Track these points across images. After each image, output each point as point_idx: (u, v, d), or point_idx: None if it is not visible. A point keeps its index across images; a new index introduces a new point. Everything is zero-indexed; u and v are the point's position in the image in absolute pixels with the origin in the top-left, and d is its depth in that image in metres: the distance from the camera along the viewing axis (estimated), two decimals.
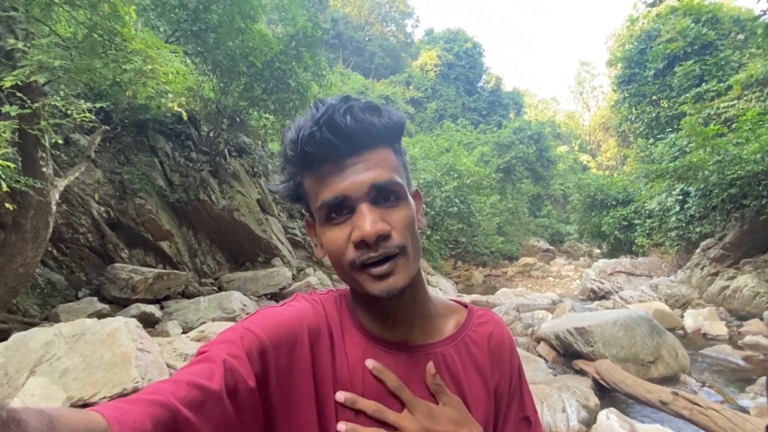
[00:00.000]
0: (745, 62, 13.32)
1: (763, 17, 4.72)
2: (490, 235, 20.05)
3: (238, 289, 7.73)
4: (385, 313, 0.65)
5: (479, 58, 40.59)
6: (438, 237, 16.23)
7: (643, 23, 20.24)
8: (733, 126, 10.71)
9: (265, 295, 8.27)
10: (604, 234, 17.34)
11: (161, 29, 7.94)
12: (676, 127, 13.92)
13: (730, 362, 6.54)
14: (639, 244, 15.43)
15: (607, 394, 4.83)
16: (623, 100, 18.61)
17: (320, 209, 0.60)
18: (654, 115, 16.65)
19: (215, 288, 8.33)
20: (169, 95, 5.22)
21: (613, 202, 17.39)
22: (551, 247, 24.73)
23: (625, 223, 16.31)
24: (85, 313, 5.37)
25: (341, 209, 0.59)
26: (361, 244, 0.57)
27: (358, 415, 0.59)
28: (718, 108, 12.12)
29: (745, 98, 11.92)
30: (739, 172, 9.54)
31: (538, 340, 6.48)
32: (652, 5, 23.08)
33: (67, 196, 6.81)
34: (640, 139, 17.73)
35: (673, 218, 12.71)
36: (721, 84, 13.13)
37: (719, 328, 7.81)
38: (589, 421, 3.86)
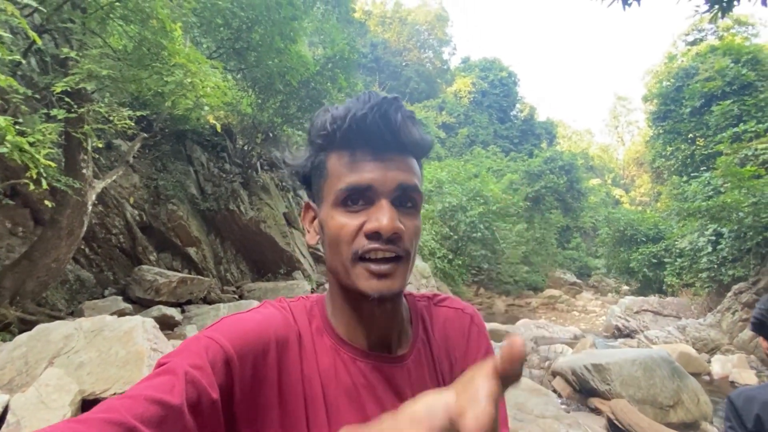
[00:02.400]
0: None
1: None
2: (515, 264, 19.73)
3: (258, 299, 7.87)
4: (364, 318, 0.63)
5: (514, 87, 40.68)
6: (460, 262, 16.09)
7: (682, 61, 19.97)
8: None
9: None
10: (632, 270, 16.82)
11: (205, 46, 8.38)
12: (710, 166, 13.54)
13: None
14: (669, 283, 14.88)
15: None
16: (658, 136, 18.25)
17: (340, 191, 0.58)
18: (689, 152, 16.24)
19: (236, 296, 8.51)
20: (206, 107, 5.49)
21: (643, 239, 16.90)
22: (578, 281, 24.07)
23: (655, 260, 15.80)
24: (108, 310, 5.58)
25: (359, 199, 0.58)
26: (374, 236, 0.57)
27: (331, 416, 0.58)
28: (755, 149, 11.76)
29: None
30: None
31: (554, 374, 6.31)
32: (693, 44, 22.79)
33: (104, 198, 7.17)
34: (674, 176, 17.28)
35: (705, 259, 12.25)
36: (761, 125, 12.76)
37: (749, 377, 7.41)
38: None
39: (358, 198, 0.58)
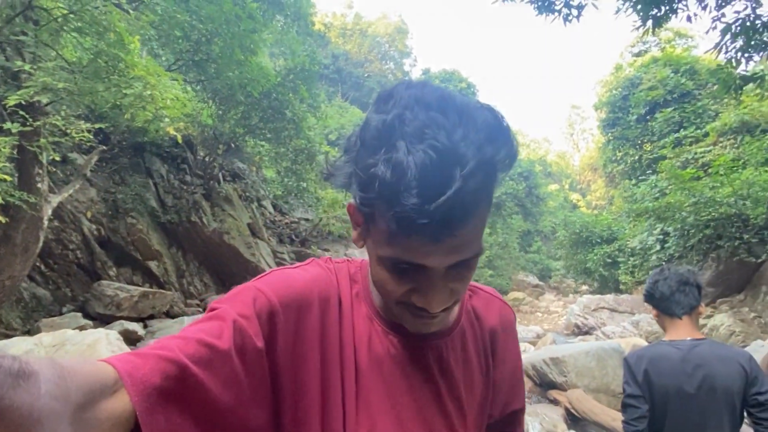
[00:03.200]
0: (721, 111, 14.01)
1: (726, 66, 5.17)
2: (480, 268, 20.22)
3: None
4: None
5: (473, 98, 41.95)
6: None
7: (628, 71, 21.23)
8: (709, 170, 11.18)
9: None
10: (589, 270, 17.58)
11: (164, 58, 8.32)
12: (656, 169, 14.45)
13: None
14: (623, 281, 15.66)
15: (578, 423, 4.93)
16: (609, 143, 19.30)
17: (386, 257, 0.52)
18: (637, 157, 17.27)
19: (200, 309, 8.38)
20: (166, 119, 5.49)
21: (598, 240, 17.73)
22: (541, 283, 24.91)
23: (610, 260, 16.60)
24: (67, 327, 5.43)
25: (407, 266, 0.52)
26: (422, 309, 0.55)
27: (360, 382, 0.59)
28: (695, 153, 12.67)
29: (720, 145, 12.50)
30: (714, 214, 9.92)
31: None
32: (638, 55, 24.27)
33: (60, 213, 6.96)
34: (624, 179, 18.29)
35: (654, 257, 13.01)
36: (699, 131, 13.76)
37: None
38: None
39: (406, 267, 0.52)
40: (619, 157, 18.66)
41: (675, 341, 1.61)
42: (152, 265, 8.33)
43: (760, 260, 9.61)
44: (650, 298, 1.72)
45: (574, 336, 12.54)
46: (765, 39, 4.73)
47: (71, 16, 5.24)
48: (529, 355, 6.79)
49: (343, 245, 13.85)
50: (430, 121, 0.46)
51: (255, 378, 0.52)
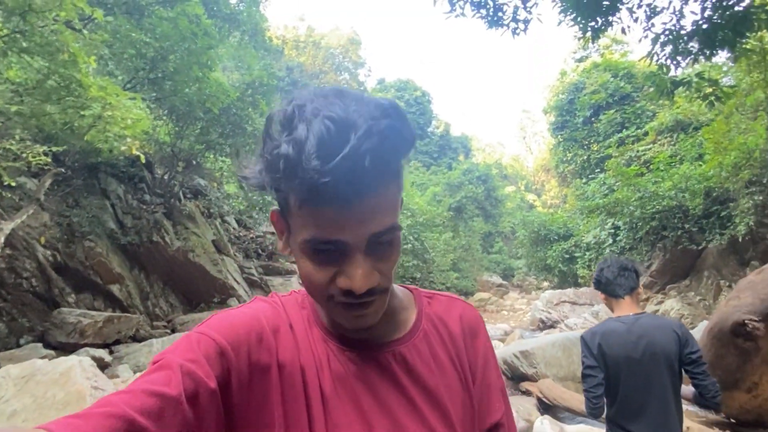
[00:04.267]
0: (658, 111, 15.11)
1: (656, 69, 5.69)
2: (446, 271, 20.64)
3: None
4: None
5: (428, 105, 42.86)
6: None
7: (573, 76, 22.45)
8: (651, 167, 12.03)
9: None
10: (549, 267, 18.34)
11: (120, 77, 8.13)
12: (604, 168, 15.35)
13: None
14: (581, 275, 16.44)
15: (549, 410, 5.21)
16: (558, 144, 20.32)
17: (304, 242, 0.53)
18: (585, 157, 18.29)
19: (168, 331, 8.16)
20: (128, 139, 5.40)
21: (556, 237, 18.55)
22: (505, 282, 25.67)
23: (567, 256, 17.39)
24: (28, 359, 5.19)
25: (328, 247, 0.52)
26: (348, 293, 0.53)
27: (327, 405, 0.56)
28: (637, 151, 13.57)
29: (659, 142, 13.48)
30: (657, 207, 10.67)
31: None
32: (580, 61, 25.69)
33: (11, 240, 6.63)
34: (575, 179, 19.28)
35: (607, 250, 13.77)
36: (639, 130, 14.77)
37: None
38: (529, 431, 4.20)
39: (326, 248, 0.52)
40: (569, 158, 19.68)
41: (620, 317, 1.92)
42: (114, 288, 8.04)
43: (700, 247, 10.41)
44: (598, 284, 2.02)
45: (539, 330, 13.06)
46: (689, 47, 5.25)
47: (17, 35, 5.08)
48: (499, 351, 7.07)
49: None
50: (327, 102, 0.49)
51: (209, 421, 0.50)
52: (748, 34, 5.22)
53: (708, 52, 5.36)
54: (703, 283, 10.61)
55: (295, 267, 14.20)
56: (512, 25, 5.32)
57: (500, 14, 5.28)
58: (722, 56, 7.28)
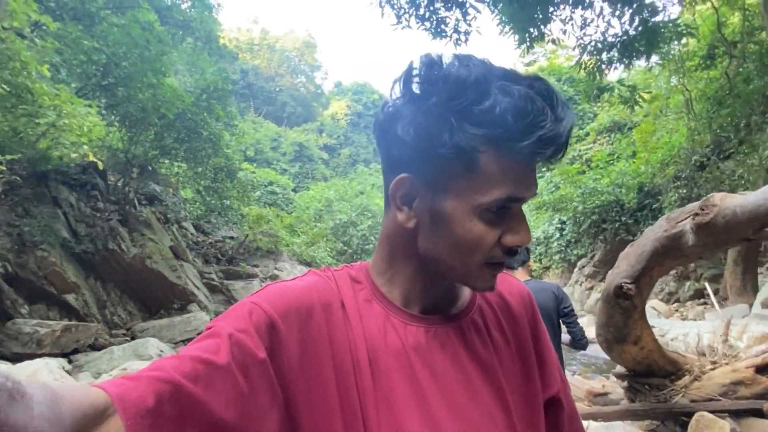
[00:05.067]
0: (598, 113, 16.22)
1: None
2: None
3: (153, 337, 7.63)
4: (433, 289, 0.63)
5: None
6: None
7: None
8: (591, 164, 12.97)
9: (183, 341, 8.20)
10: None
11: (73, 85, 8.01)
12: (551, 167, 16.32)
13: (599, 358, 7.84)
14: (533, 269, 17.33)
15: None
16: None
17: (494, 200, 0.52)
18: None
19: (127, 338, 8.09)
20: (84, 147, 5.43)
21: None
22: None
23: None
24: None
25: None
26: (512, 250, 0.55)
27: (379, 381, 0.56)
28: (579, 150, 14.54)
29: (599, 142, 14.52)
30: (597, 202, 11.55)
31: None
32: (528, 65, 26.96)
33: None
34: None
35: (555, 244, 14.66)
36: (581, 131, 15.80)
37: (592, 332, 9.23)
38: None
39: (510, 205, 0.54)
40: None
41: None
42: (69, 298, 7.90)
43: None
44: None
45: None
46: (611, 56, 5.90)
47: None
48: None
49: (272, 260, 13.87)
50: (506, 71, 0.52)
51: (261, 391, 0.50)
52: (660, 46, 5.91)
53: (627, 61, 6.01)
54: None
55: (257, 270, 14.11)
56: (454, 36, 5.78)
57: (443, 26, 5.72)
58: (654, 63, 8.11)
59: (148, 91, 8.29)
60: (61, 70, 7.32)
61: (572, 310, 2.46)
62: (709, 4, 8.56)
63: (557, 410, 0.70)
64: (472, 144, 0.51)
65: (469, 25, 5.74)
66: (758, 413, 2.66)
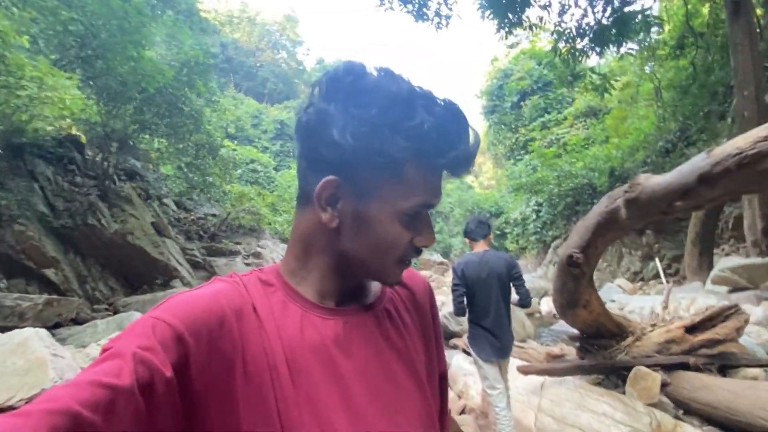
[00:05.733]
0: (575, 98, 16.58)
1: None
2: None
3: (138, 311, 7.74)
4: (347, 282, 0.65)
5: None
6: None
7: (503, 63, 23.72)
8: (567, 148, 13.35)
9: None
10: None
11: (51, 56, 7.86)
12: (529, 150, 16.69)
13: (569, 332, 8.32)
14: (510, 249, 17.88)
15: (471, 357, 6.05)
16: (490, 128, 21.58)
17: (412, 206, 0.58)
18: (513, 140, 19.68)
19: (110, 313, 8.19)
20: (67, 119, 5.43)
21: (488, 215, 19.90)
22: (445, 260, 27.01)
23: (498, 232, 18.77)
24: None
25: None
26: (418, 250, 0.62)
27: (299, 381, 0.55)
28: (557, 134, 14.91)
29: (575, 126, 14.90)
30: (572, 185, 11.96)
31: None
32: (511, 47, 27.09)
33: None
34: (506, 160, 20.68)
35: (532, 225, 15.13)
36: (560, 115, 16.14)
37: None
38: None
39: (422, 211, 0.60)
40: (500, 140, 21.04)
41: (476, 252, 2.97)
42: (49, 273, 7.92)
43: None
44: (465, 233, 3.08)
45: None
46: (584, 45, 6.14)
47: None
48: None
49: (254, 237, 13.98)
50: (424, 91, 0.59)
51: (166, 411, 0.48)
52: (631, 35, 6.17)
53: (599, 49, 6.26)
54: (608, 250, 12.11)
55: (239, 248, 14.13)
56: (436, 19, 5.92)
57: (425, 10, 5.85)
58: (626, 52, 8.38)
59: (127, 63, 8.19)
60: (39, 41, 7.18)
61: (521, 275, 2.97)
62: None
63: (443, 384, 0.78)
64: (402, 156, 0.56)
65: (450, 8, 5.89)
66: (686, 366, 3.10)
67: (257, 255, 13.16)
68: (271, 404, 0.53)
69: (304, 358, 0.57)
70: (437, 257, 27.63)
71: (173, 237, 10.94)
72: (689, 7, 7.87)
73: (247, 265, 12.33)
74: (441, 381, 0.77)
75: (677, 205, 1.87)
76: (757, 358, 3.31)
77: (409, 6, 5.72)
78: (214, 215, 13.83)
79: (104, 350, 0.49)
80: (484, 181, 44.42)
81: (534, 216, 15.34)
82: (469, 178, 47.09)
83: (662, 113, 9.27)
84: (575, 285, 3.06)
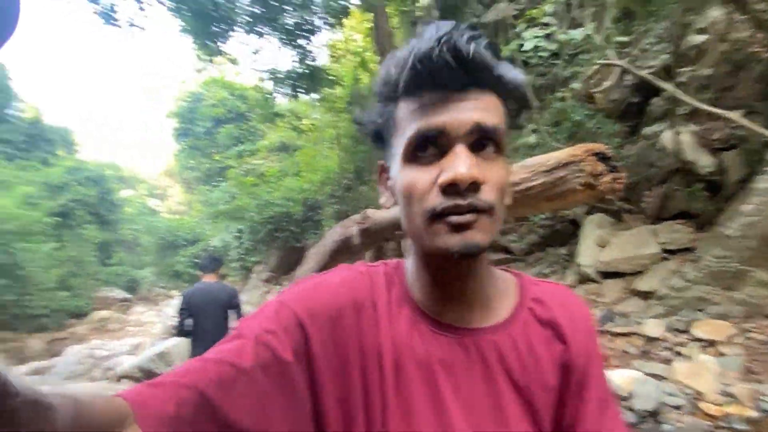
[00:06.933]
0: (267, 132, 17.89)
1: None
2: (50, 290, 17.06)
3: None
4: (443, 284, 0.57)
5: (5, 81, 33.35)
6: None
7: (193, 86, 23.14)
8: (264, 178, 14.26)
9: None
10: (179, 273, 18.38)
11: None
12: (226, 177, 16.88)
13: None
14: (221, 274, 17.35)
15: None
16: (182, 151, 20.57)
17: (409, 142, 0.51)
18: (209, 165, 19.41)
19: None
20: None
21: (184, 242, 18.78)
22: (129, 296, 23.39)
23: (197, 260, 17.95)
24: None
25: (430, 147, 0.51)
26: (450, 189, 0.49)
27: (403, 390, 0.54)
28: (252, 164, 15.71)
29: (269, 159, 16.10)
30: (272, 213, 12.82)
31: (120, 378, 6.63)
32: (199, 71, 26.71)
33: None
34: (200, 185, 20.09)
35: (234, 252, 15.26)
36: (253, 146, 17.08)
37: None
38: None
39: (428, 147, 0.51)
40: (193, 165, 20.29)
41: (204, 282, 3.62)
42: None
43: (301, 245, 13.22)
44: (199, 267, 3.72)
45: (174, 338, 13.03)
46: (286, 86, 7.01)
47: None
48: (132, 361, 6.95)
49: None
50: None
51: (287, 392, 0.50)
52: (321, 87, 7.41)
53: (296, 94, 7.26)
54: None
55: None
56: (126, 26, 5.56)
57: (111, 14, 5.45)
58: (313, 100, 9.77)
59: None
60: None
61: (239, 304, 3.65)
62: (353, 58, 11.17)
63: None
64: (389, 107, 0.54)
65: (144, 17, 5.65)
66: None
67: None
68: (377, 402, 0.53)
69: (409, 368, 0.55)
70: (119, 293, 23.74)
71: None
72: (356, 71, 10.06)
73: None
74: None
75: (396, 233, 2.69)
76: None
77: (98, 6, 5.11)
78: None
79: (234, 329, 0.53)
80: (172, 205, 41.45)
81: (236, 243, 15.51)
82: (153, 202, 42.74)
83: (343, 156, 11.27)
84: None
